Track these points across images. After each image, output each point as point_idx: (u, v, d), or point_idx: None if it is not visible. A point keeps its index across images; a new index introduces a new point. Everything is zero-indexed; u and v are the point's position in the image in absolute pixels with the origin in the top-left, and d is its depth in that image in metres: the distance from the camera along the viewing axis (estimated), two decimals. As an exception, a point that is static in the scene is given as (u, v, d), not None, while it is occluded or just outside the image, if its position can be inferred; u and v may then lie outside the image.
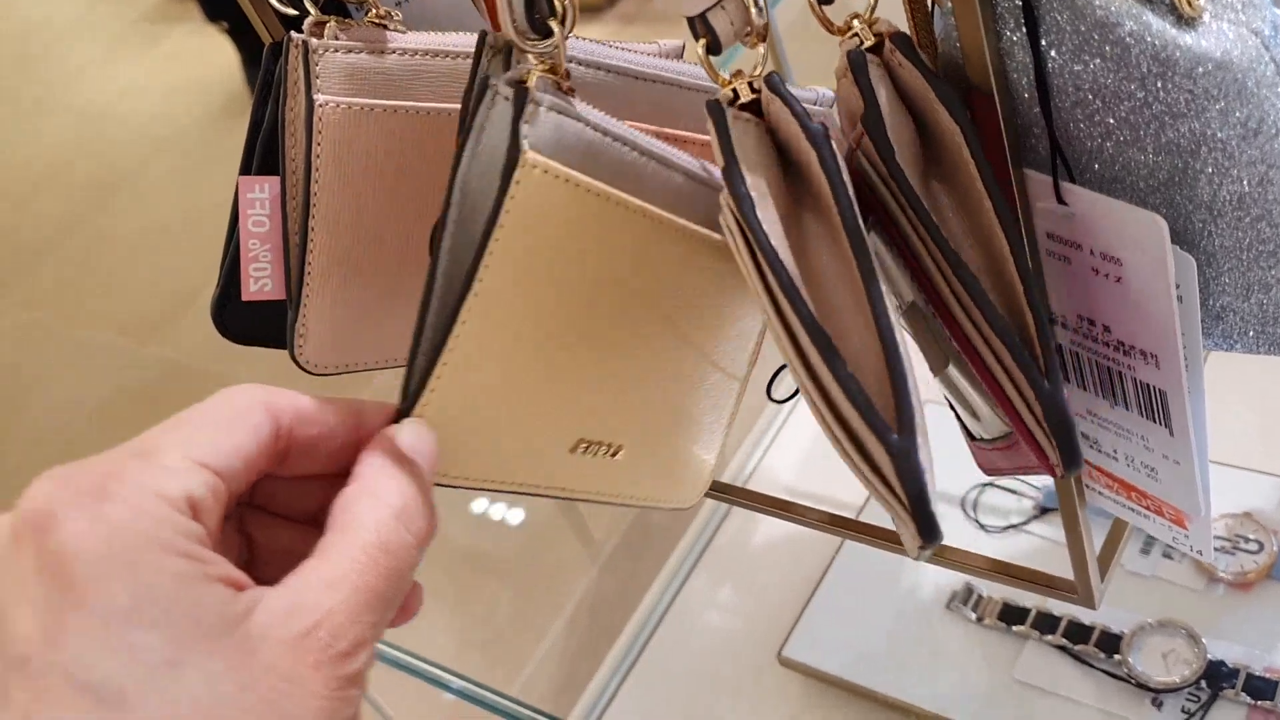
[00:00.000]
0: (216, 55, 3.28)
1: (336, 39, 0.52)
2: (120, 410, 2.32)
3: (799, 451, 1.07)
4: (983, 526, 0.93)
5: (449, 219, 0.42)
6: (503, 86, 0.41)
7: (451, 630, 1.07)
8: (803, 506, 0.72)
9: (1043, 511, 0.91)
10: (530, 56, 0.41)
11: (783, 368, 0.56)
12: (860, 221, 0.41)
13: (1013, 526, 0.91)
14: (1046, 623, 0.85)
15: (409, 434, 0.39)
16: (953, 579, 0.90)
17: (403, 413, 0.40)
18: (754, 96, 0.43)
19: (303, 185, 0.52)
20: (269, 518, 0.41)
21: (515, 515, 1.20)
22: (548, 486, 0.49)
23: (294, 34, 0.52)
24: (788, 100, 0.42)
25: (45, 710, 0.29)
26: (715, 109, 0.42)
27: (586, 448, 0.49)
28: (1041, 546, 0.90)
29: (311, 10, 0.54)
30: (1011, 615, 0.86)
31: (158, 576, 0.31)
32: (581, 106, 0.42)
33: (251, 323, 0.58)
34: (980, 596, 0.88)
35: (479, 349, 0.41)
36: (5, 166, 3.21)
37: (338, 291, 0.54)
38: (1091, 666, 0.82)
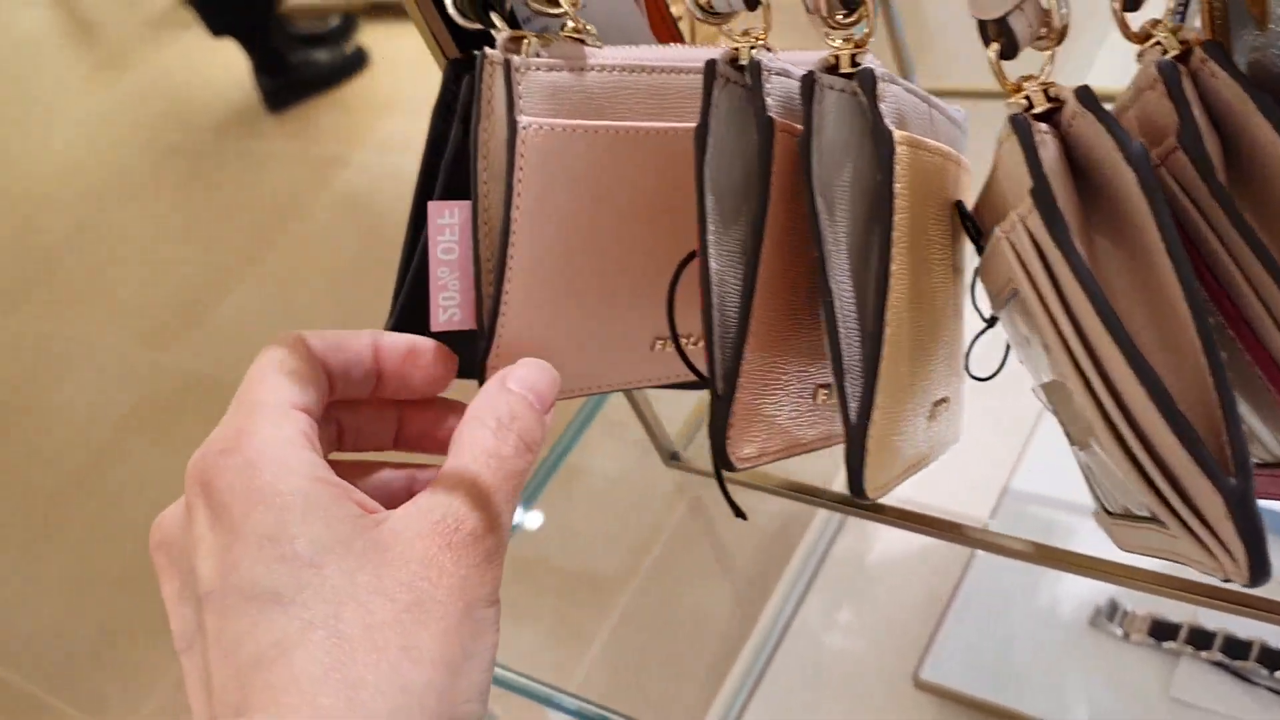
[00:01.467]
0: (226, 61, 3.23)
1: (538, 55, 0.49)
2: (143, 420, 2.29)
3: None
4: (1120, 539, 0.89)
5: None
6: (835, 80, 0.40)
7: (557, 650, 1.04)
8: (931, 517, 0.69)
9: (1183, 522, 0.88)
10: (838, 38, 0.40)
11: (976, 340, 0.55)
12: (1183, 247, 0.38)
13: (1152, 539, 0.88)
14: (1201, 638, 0.82)
15: (518, 370, 0.45)
16: (1092, 594, 0.87)
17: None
18: (1050, 106, 0.40)
19: (501, 212, 0.49)
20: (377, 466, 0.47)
21: (600, 532, 1.17)
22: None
23: (490, 51, 0.49)
24: (1103, 116, 0.39)
25: (227, 623, 0.35)
26: (1021, 123, 0.39)
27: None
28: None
29: (501, 25, 0.50)
30: (1162, 631, 0.83)
31: (294, 499, 0.36)
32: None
33: None
34: (1126, 612, 0.85)
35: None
36: (15, 176, 3.16)
37: (533, 321, 0.50)
38: (1254, 684, 0.79)
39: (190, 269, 2.71)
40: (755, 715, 0.92)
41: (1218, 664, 0.81)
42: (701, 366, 0.58)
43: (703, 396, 0.88)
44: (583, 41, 0.50)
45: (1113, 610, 0.86)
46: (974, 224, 0.48)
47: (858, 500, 0.68)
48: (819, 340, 0.51)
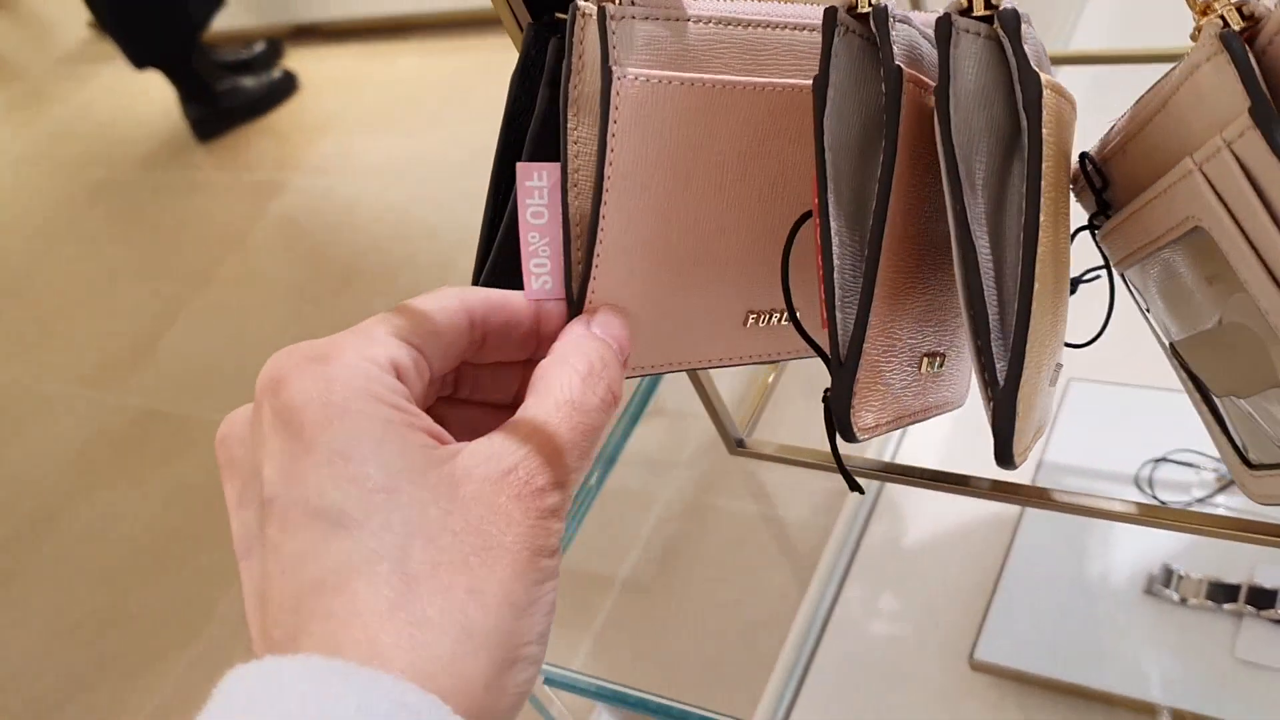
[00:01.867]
0: (151, 92, 3.16)
1: (633, 4, 0.46)
2: (98, 461, 2.22)
3: (940, 426, 1.02)
4: (1163, 504, 0.88)
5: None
6: (971, 23, 0.37)
7: (604, 653, 1.01)
8: (977, 478, 0.67)
9: (1227, 484, 0.87)
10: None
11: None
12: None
13: (1197, 501, 0.87)
14: (1261, 597, 0.81)
15: (600, 315, 0.44)
16: (1144, 561, 0.86)
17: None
18: (1245, 25, 0.37)
19: (592, 172, 0.46)
20: (470, 407, 0.46)
21: (645, 530, 1.14)
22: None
23: (582, 2, 0.46)
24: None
25: (288, 537, 0.34)
26: (1232, 41, 0.37)
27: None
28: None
29: None
30: (1220, 593, 0.82)
31: (370, 422, 0.35)
32: None
33: None
34: (1181, 576, 0.84)
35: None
36: (-62, 223, 3.06)
37: (625, 290, 0.47)
38: (1320, 638, 0.78)
39: (133, 305, 2.63)
40: (806, 709, 0.90)
41: (1280, 622, 0.79)
42: (789, 345, 0.55)
43: (763, 381, 0.85)
44: None
45: (1168, 576, 0.84)
46: (1101, 174, 0.46)
47: (889, 469, 0.67)
48: (930, 304, 0.49)
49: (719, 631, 1.02)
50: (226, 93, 3.03)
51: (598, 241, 0.45)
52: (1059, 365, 0.51)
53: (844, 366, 0.43)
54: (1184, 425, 0.91)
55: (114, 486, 2.17)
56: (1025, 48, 0.40)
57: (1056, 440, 0.95)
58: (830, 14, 0.43)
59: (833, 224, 0.43)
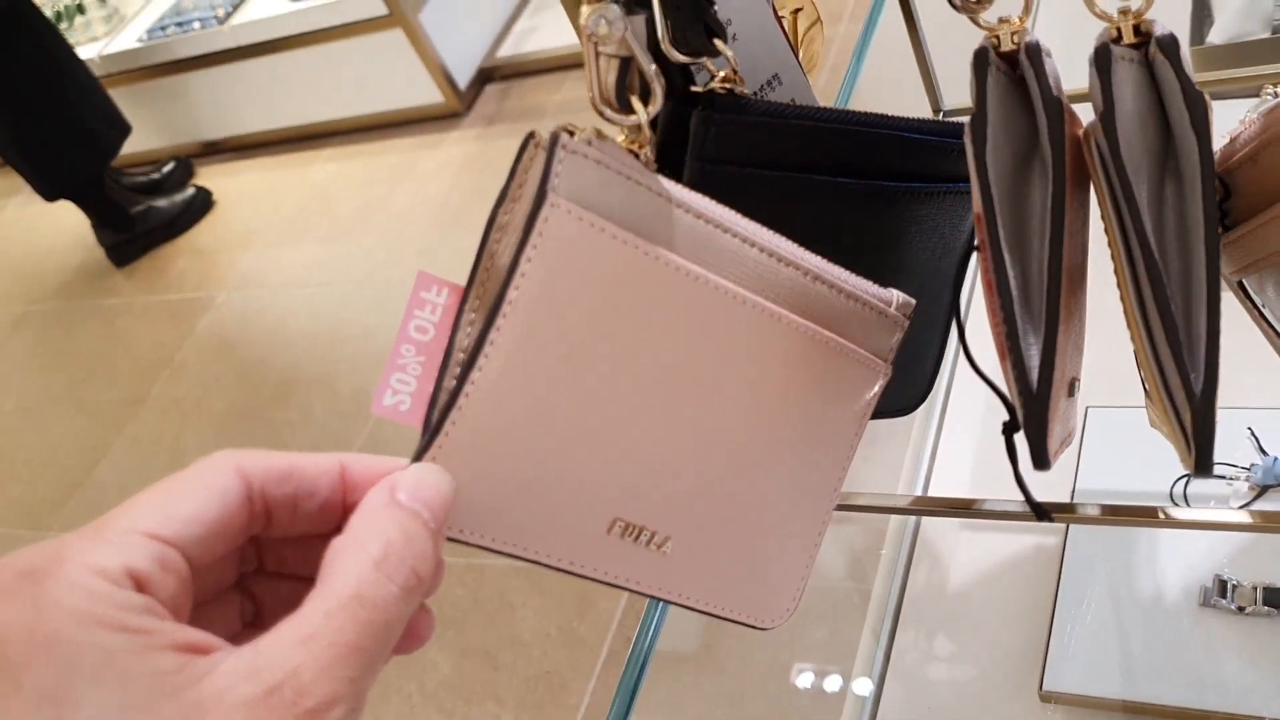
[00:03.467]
0: (61, 221, 3.11)
1: (591, 144, 0.42)
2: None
3: (967, 457, 1.03)
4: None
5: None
6: (1126, 50, 0.39)
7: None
8: (1014, 501, 0.68)
9: (1262, 490, 0.90)
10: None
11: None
12: None
13: (1242, 507, 0.90)
14: (1317, 597, 0.83)
15: (409, 477, 0.38)
16: (1196, 575, 0.88)
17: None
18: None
19: (495, 292, 0.41)
20: (282, 580, 0.40)
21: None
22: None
23: (535, 135, 0.43)
24: None
25: None
26: None
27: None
28: (1272, 525, 0.89)
29: (723, 49, 0.48)
30: (1276, 598, 0.84)
31: (86, 655, 0.30)
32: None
33: None
34: (1235, 585, 0.86)
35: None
36: None
37: (489, 436, 0.42)
38: (1380, 631, 0.80)
39: (63, 438, 2.57)
40: (882, 763, 0.90)
41: (1340, 619, 0.82)
42: (649, 576, 0.48)
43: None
44: (636, 155, 0.44)
45: (1222, 586, 0.86)
46: (1224, 186, 0.48)
47: (925, 501, 0.68)
48: (1076, 331, 0.50)
49: (772, 699, 1.02)
50: (140, 216, 3.00)
51: (475, 368, 0.41)
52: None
53: (1037, 396, 0.44)
54: (1211, 439, 0.95)
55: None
56: (1186, 68, 0.42)
57: (1085, 469, 0.97)
58: (981, 54, 0.44)
59: (1006, 256, 0.44)
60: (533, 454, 0.43)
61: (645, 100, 0.43)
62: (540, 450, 0.43)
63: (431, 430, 0.41)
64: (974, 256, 0.49)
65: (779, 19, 0.57)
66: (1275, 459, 0.90)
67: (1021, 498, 0.67)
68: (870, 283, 0.50)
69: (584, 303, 0.42)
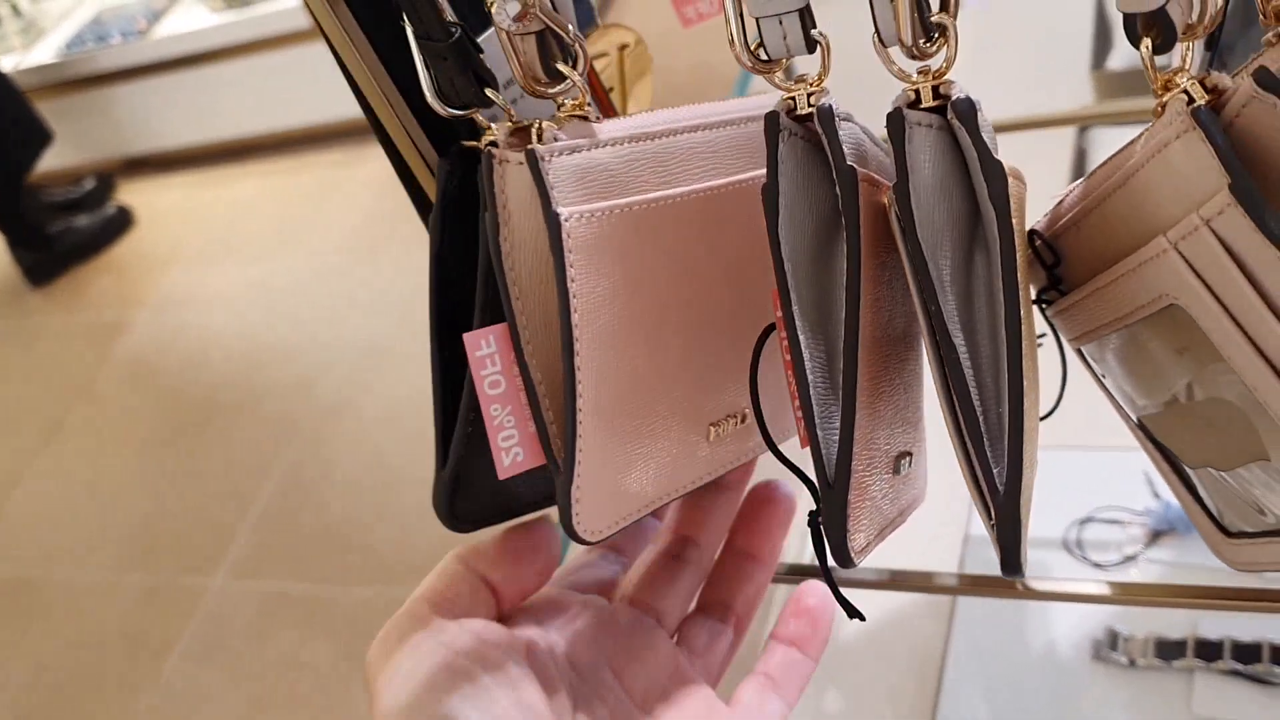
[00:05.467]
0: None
1: (555, 139, 0.43)
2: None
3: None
4: (1096, 564, 0.87)
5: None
6: (922, 115, 0.35)
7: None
8: (910, 573, 0.65)
9: (1155, 536, 0.87)
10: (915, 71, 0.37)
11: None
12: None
13: (1129, 559, 0.86)
14: (1208, 650, 0.80)
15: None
16: (1086, 628, 0.85)
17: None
18: (1209, 99, 0.36)
19: (542, 325, 0.43)
20: None
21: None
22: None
23: (495, 150, 0.43)
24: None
25: None
26: (1205, 117, 0.35)
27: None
28: (1165, 574, 0.85)
29: (500, 100, 0.44)
30: (1168, 650, 0.81)
31: None
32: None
33: (486, 501, 0.48)
34: (1125, 638, 0.83)
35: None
36: None
37: (609, 438, 0.44)
38: (1273, 684, 0.77)
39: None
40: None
41: (1232, 673, 0.78)
42: (747, 444, 0.52)
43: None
44: (585, 118, 0.45)
45: (1113, 639, 0.83)
46: (1053, 251, 0.44)
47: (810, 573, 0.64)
48: (897, 403, 0.46)
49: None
50: (59, 234, 2.92)
51: (577, 396, 0.42)
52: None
53: (834, 489, 0.40)
54: (1106, 483, 0.91)
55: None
56: (984, 135, 0.38)
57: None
58: (772, 118, 0.40)
59: (801, 338, 0.40)
60: (642, 425, 0.46)
61: (572, 63, 0.44)
62: (645, 418, 0.46)
63: (566, 466, 0.43)
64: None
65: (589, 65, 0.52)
66: (1168, 504, 0.86)
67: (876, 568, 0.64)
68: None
69: (626, 276, 0.44)
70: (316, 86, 2.90)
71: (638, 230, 0.44)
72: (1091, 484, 0.90)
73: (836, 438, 0.41)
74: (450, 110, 0.44)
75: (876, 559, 0.57)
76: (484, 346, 0.44)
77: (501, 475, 0.44)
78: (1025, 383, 0.38)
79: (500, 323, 0.44)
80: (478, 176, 0.43)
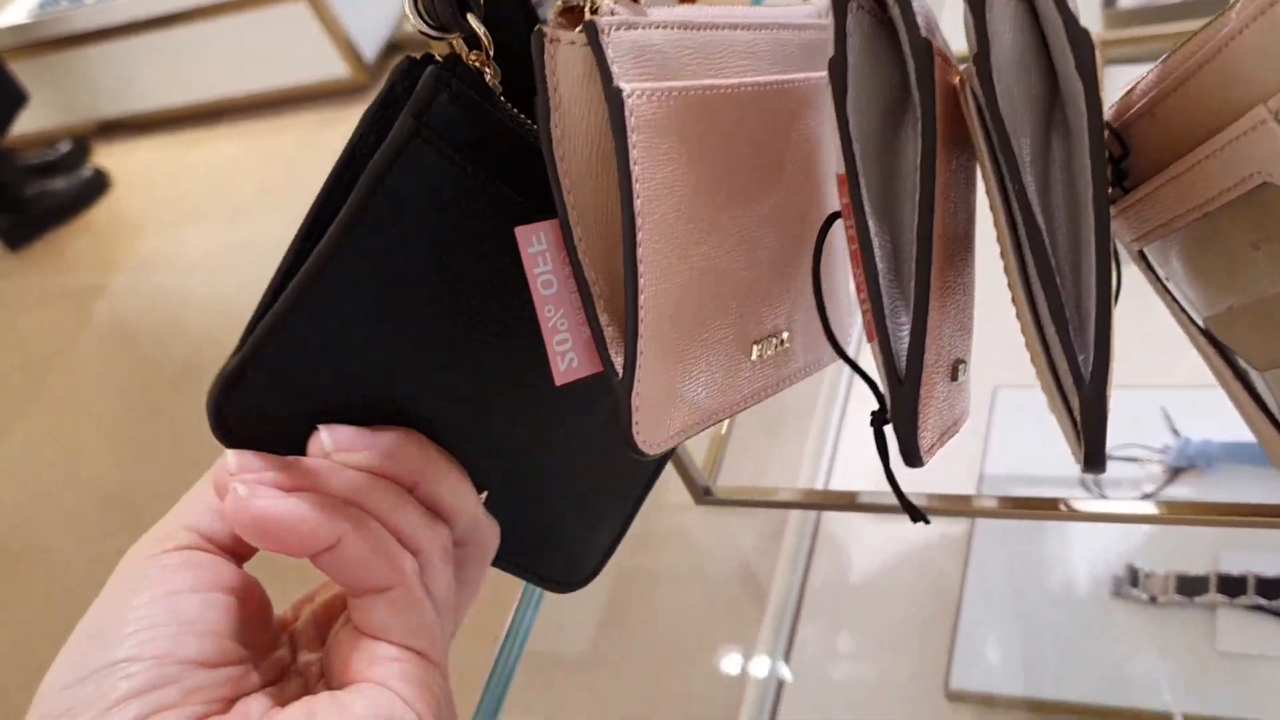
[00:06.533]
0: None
1: (612, 13, 0.40)
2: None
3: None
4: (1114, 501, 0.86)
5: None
6: None
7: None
8: (948, 495, 0.64)
9: (1175, 473, 0.85)
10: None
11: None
12: None
13: (1147, 496, 0.85)
14: (1231, 585, 0.79)
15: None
16: (1107, 564, 0.83)
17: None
18: None
19: (622, 210, 0.40)
20: None
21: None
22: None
23: (544, 29, 0.40)
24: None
25: None
26: None
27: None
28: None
29: (477, 27, 0.41)
30: (1190, 586, 0.80)
31: None
32: None
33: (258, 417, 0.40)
34: (1146, 574, 0.82)
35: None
36: None
37: (669, 343, 0.42)
38: (1297, 619, 0.76)
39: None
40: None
41: (1256, 608, 0.77)
42: (787, 370, 0.50)
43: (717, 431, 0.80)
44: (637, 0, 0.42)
45: (1134, 575, 0.82)
46: (1122, 143, 0.43)
47: (827, 496, 0.63)
48: (958, 305, 0.44)
49: (671, 692, 0.96)
50: (35, 197, 2.87)
51: (640, 291, 0.39)
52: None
53: (904, 385, 0.38)
54: (1122, 421, 0.90)
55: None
56: (1068, 1, 0.36)
57: (993, 452, 0.92)
58: None
59: (870, 224, 0.38)
60: (698, 331, 0.43)
61: None
62: (702, 323, 0.43)
63: (626, 379, 0.40)
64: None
65: None
66: (1188, 440, 0.85)
67: (917, 491, 0.62)
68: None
69: (687, 165, 0.41)
70: (296, 46, 2.86)
71: (697, 117, 0.41)
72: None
73: (906, 332, 0.39)
74: (427, 29, 0.41)
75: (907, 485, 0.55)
76: (535, 243, 0.41)
77: (559, 382, 0.42)
78: (1111, 266, 0.36)
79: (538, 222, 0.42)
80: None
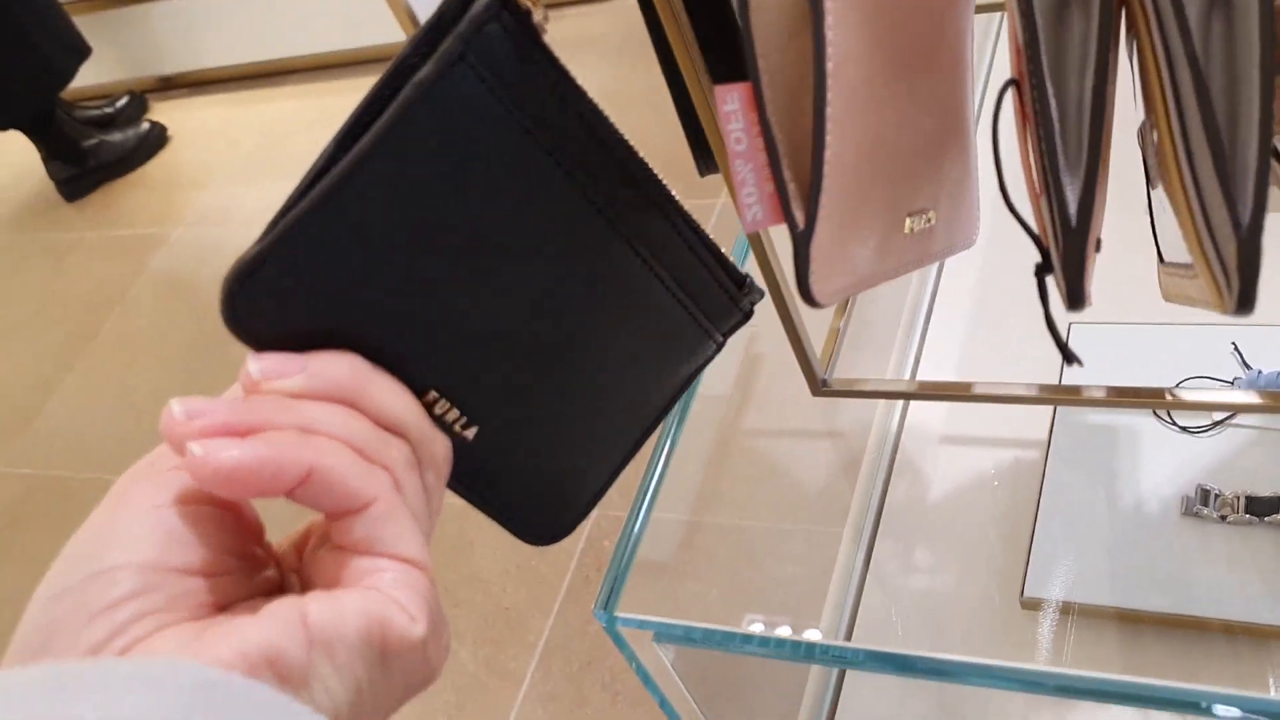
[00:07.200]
0: (11, 155, 3.03)
1: None
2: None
3: (955, 348, 1.03)
4: (1185, 429, 0.91)
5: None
6: None
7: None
8: (1060, 385, 0.68)
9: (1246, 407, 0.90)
10: None
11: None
12: None
13: (1218, 424, 0.90)
14: (1301, 505, 0.83)
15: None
16: (1178, 485, 0.88)
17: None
18: None
19: (814, 71, 0.44)
20: None
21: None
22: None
23: None
24: None
25: None
26: None
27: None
28: (1257, 437, 0.89)
29: None
30: (1260, 506, 0.84)
31: None
32: None
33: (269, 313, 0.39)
34: (1217, 494, 0.86)
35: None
36: None
37: (847, 200, 0.46)
38: (1363, 537, 0.81)
39: (12, 373, 2.51)
40: (852, 691, 0.89)
41: (1322, 526, 0.82)
42: (932, 247, 0.55)
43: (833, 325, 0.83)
44: None
45: (1205, 495, 0.86)
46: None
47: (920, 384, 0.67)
48: (1105, 186, 0.49)
49: (754, 597, 1.01)
50: (93, 150, 2.93)
51: (825, 147, 0.44)
52: None
53: (1075, 230, 0.43)
54: (1192, 356, 0.95)
55: (7, 560, 2.06)
56: None
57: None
58: None
59: (1049, 86, 0.43)
60: (871, 194, 0.47)
61: None
62: (875, 186, 0.47)
63: (805, 231, 0.45)
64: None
65: None
66: (1260, 372, 0.90)
67: (1019, 381, 0.67)
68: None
69: (872, 35, 0.44)
70: (355, 11, 2.91)
71: None
72: (1177, 358, 0.94)
73: (1073, 189, 0.44)
74: None
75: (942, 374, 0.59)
76: (729, 102, 0.46)
77: (747, 230, 0.46)
78: (1274, 122, 0.41)
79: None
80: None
